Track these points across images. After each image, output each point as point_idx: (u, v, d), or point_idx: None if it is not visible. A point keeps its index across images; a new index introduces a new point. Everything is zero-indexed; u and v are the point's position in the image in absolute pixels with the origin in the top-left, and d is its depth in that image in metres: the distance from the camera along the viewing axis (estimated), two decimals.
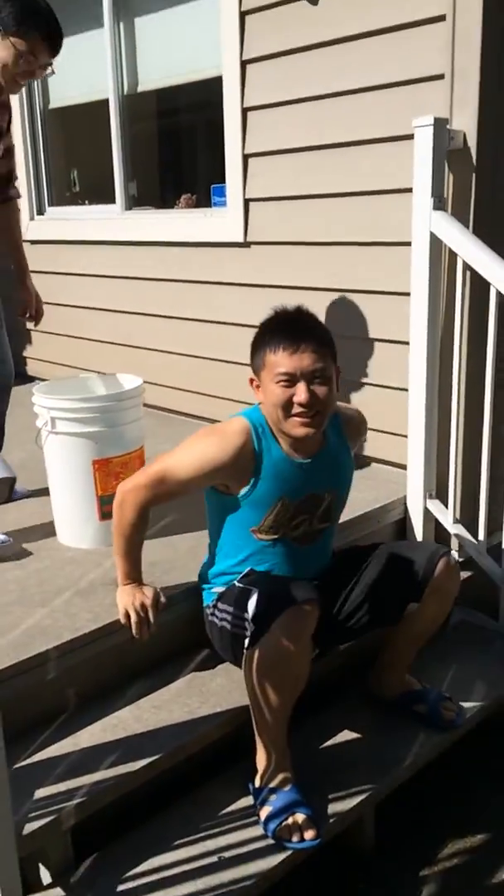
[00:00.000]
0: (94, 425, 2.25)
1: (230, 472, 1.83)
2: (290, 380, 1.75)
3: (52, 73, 2.40)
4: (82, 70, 3.78)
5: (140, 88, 3.60)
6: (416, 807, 2.04)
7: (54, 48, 2.32)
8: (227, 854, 1.66)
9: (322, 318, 1.86)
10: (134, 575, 1.93)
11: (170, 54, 3.43)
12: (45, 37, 2.26)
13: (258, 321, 1.87)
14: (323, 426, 1.84)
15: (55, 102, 4.02)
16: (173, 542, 2.35)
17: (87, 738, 1.77)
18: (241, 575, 1.88)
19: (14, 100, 4.03)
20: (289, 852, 1.66)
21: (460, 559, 2.60)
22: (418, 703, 2.07)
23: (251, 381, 1.87)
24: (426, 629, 2.03)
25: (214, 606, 1.93)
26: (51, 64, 2.36)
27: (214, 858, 1.64)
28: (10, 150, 2.54)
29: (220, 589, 1.92)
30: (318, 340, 1.79)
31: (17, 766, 1.67)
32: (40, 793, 1.61)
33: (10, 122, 2.50)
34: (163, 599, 1.92)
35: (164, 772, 1.75)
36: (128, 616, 1.87)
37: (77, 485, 2.31)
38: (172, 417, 3.63)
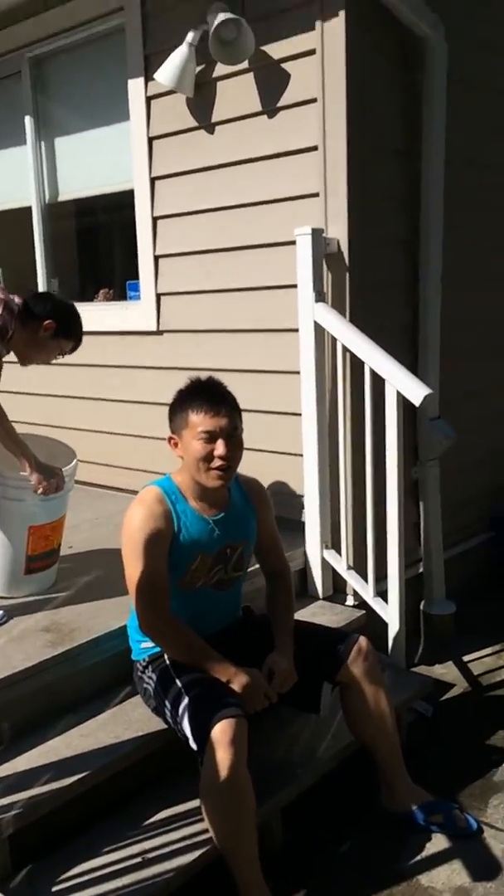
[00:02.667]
0: (36, 497, 2.49)
1: (167, 531, 2.10)
2: (211, 437, 2.08)
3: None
4: (7, 180, 4.19)
5: (60, 198, 4.02)
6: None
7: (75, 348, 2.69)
8: (149, 855, 1.89)
9: None
10: (225, 663, 2.02)
11: (87, 169, 3.87)
12: (76, 343, 2.66)
13: (170, 399, 2.21)
14: (231, 480, 2.18)
15: None
16: (99, 593, 2.61)
17: (24, 763, 1.99)
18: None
19: None
20: (207, 847, 1.90)
21: (355, 602, 2.96)
22: (435, 814, 2.21)
23: (170, 439, 2.18)
24: (382, 719, 2.19)
25: (144, 669, 2.17)
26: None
27: (139, 859, 1.88)
28: None
29: (150, 651, 2.15)
30: (232, 405, 2.15)
31: None
32: None
33: None
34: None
35: (94, 790, 1.98)
36: (249, 695, 1.98)
37: (12, 544, 2.55)
38: (91, 490, 3.88)
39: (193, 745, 1.92)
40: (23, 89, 3.95)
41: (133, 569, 2.06)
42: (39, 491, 2.45)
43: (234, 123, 3.12)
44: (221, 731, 1.84)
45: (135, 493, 3.05)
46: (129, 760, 2.06)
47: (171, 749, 2.10)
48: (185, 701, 1.97)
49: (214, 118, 3.18)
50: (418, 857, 2.12)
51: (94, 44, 3.68)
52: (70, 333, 2.61)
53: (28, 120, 3.96)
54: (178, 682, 2.02)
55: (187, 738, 1.94)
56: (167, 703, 2.03)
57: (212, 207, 3.25)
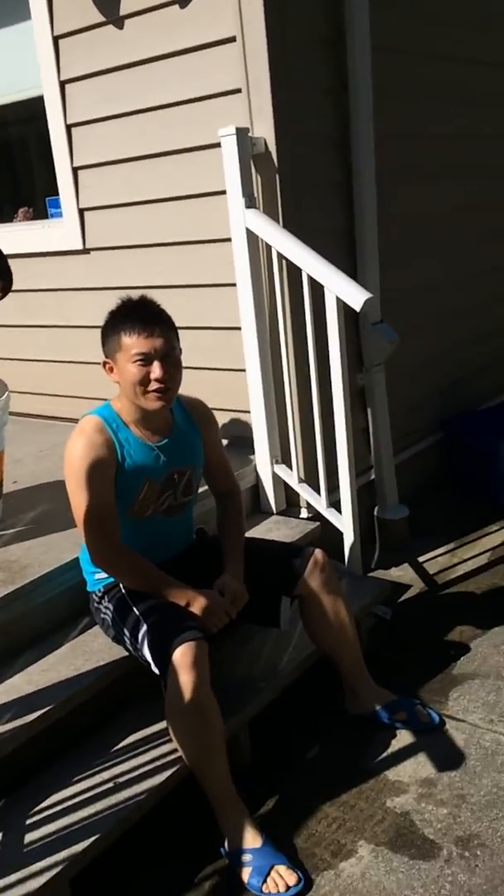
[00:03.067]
0: None
1: (111, 460, 2.03)
2: (146, 359, 1.98)
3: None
4: None
5: None
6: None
7: None
8: (121, 779, 1.90)
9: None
10: (182, 587, 2.00)
11: None
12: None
13: (101, 322, 2.10)
14: (172, 402, 2.10)
15: None
16: (48, 528, 2.55)
17: None
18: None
19: None
20: (176, 767, 1.92)
21: (309, 515, 2.96)
22: (398, 712, 2.25)
23: (104, 363, 2.08)
24: (342, 628, 2.21)
25: (100, 600, 2.13)
26: None
27: (110, 784, 1.89)
28: None
29: (105, 581, 2.11)
30: (167, 324, 2.05)
31: None
32: None
33: None
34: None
35: (59, 723, 1.97)
36: (210, 614, 1.97)
37: None
38: (32, 422, 3.79)
39: (156, 671, 1.91)
40: None
41: (79, 501, 2.00)
42: None
43: (144, 16, 2.88)
44: (182, 655, 1.83)
45: (77, 421, 2.95)
46: (91, 691, 2.05)
47: (134, 675, 2.09)
48: (144, 628, 1.95)
49: (122, 11, 2.93)
50: (384, 755, 2.18)
51: None
52: None
53: None
54: (136, 610, 2.00)
55: (149, 664, 1.93)
56: (126, 632, 2.01)
57: (128, 111, 3.04)
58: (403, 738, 2.23)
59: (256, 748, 2.22)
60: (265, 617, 2.21)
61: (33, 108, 3.43)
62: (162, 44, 2.86)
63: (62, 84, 3.19)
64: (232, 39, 2.68)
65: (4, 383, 2.67)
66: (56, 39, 3.14)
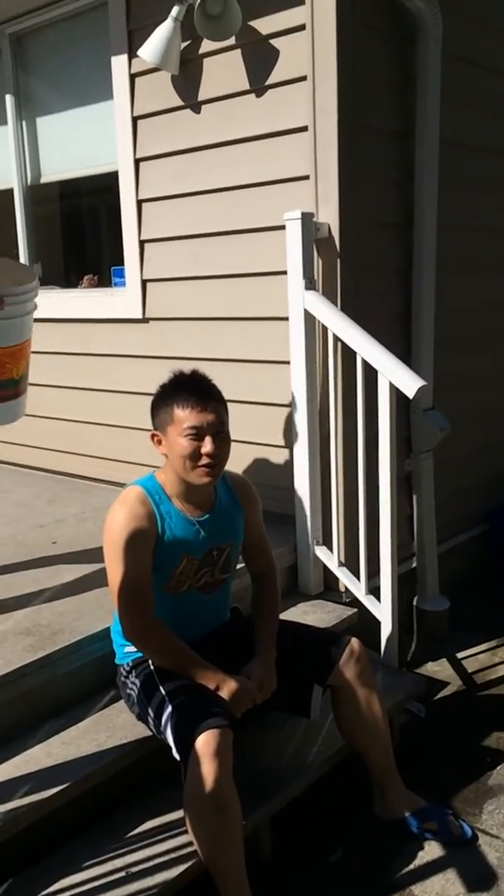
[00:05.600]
0: None
1: (151, 533, 2.01)
2: (198, 433, 1.98)
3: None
4: None
5: (43, 180, 3.89)
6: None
7: None
8: (133, 869, 1.82)
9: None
10: (213, 669, 1.96)
11: (70, 150, 3.75)
12: None
13: (155, 389, 2.11)
14: (219, 477, 2.09)
15: None
16: (83, 593, 2.52)
17: (1, 774, 1.91)
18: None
19: None
20: (192, 861, 1.83)
21: (346, 600, 2.88)
22: (428, 821, 2.14)
23: (153, 436, 2.08)
24: (374, 724, 2.12)
25: (127, 674, 2.09)
26: None
27: (122, 874, 1.80)
28: None
29: (133, 655, 2.06)
30: (219, 399, 2.05)
31: None
32: None
33: None
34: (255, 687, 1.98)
35: (76, 801, 1.91)
36: (239, 701, 1.92)
37: None
38: (78, 482, 3.82)
39: (177, 756, 1.85)
40: (3, 67, 3.81)
41: (115, 572, 1.97)
42: None
43: (221, 102, 3.00)
44: (205, 742, 1.76)
45: (122, 485, 2.94)
46: (111, 769, 1.98)
47: (156, 757, 2.02)
48: (169, 709, 1.89)
49: (201, 97, 3.05)
50: (411, 866, 2.05)
51: (76, 19, 3.54)
52: None
53: (9, 99, 3.82)
54: (162, 690, 1.95)
55: (171, 748, 1.87)
56: (150, 711, 1.96)
57: (198, 190, 3.13)
58: (432, 850, 2.10)
59: (276, 846, 2.11)
60: (295, 705, 2.14)
61: (106, 182, 3.57)
62: (236, 129, 2.96)
63: (137, 161, 3.31)
64: (304, 129, 2.76)
65: (34, 271, 2.56)
66: (135, 119, 3.28)
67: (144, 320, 3.45)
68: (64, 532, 3.12)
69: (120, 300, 3.53)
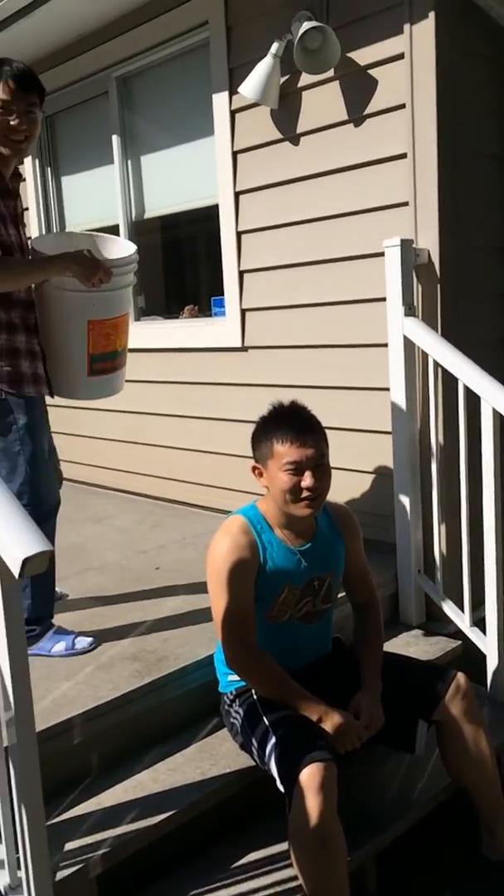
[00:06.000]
0: (97, 288, 2.29)
1: (253, 562, 2.04)
2: (297, 468, 1.99)
3: (41, 113, 2.30)
4: (96, 200, 4.23)
5: (147, 215, 4.03)
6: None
7: (26, 85, 2.20)
8: None
9: (313, 411, 2.13)
10: (315, 701, 1.94)
11: (172, 185, 3.87)
12: (9, 79, 2.18)
13: (256, 416, 2.14)
14: (320, 509, 2.09)
15: (71, 227, 4.46)
16: (185, 620, 2.57)
17: (110, 799, 1.96)
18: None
19: (34, 220, 4.45)
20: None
21: (450, 631, 2.82)
22: None
23: (254, 469, 2.11)
24: (482, 761, 2.07)
25: (231, 703, 2.11)
26: (36, 105, 2.25)
27: None
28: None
29: (237, 684, 2.08)
30: (319, 432, 2.06)
31: (48, 823, 1.85)
32: (70, 846, 1.80)
33: (22, 214, 2.43)
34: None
35: (180, 829, 1.93)
36: (342, 735, 1.91)
37: (72, 340, 2.40)
38: (179, 508, 3.89)
39: (281, 787, 1.85)
40: (110, 109, 3.98)
41: (218, 602, 2.00)
42: (88, 284, 2.26)
43: (320, 133, 3.04)
44: (310, 776, 1.76)
45: (222, 511, 2.98)
46: (216, 798, 2.00)
47: (260, 787, 2.03)
48: (273, 740, 1.89)
49: (299, 129, 3.10)
50: None
51: (178, 60, 3.67)
52: None
53: (115, 139, 3.99)
54: (266, 720, 1.95)
55: (275, 780, 1.87)
56: (254, 741, 1.96)
57: (297, 220, 3.17)
58: None
59: (382, 883, 2.07)
60: (400, 740, 2.10)
61: (206, 214, 3.67)
62: (334, 159, 2.99)
63: (237, 194, 3.38)
64: (402, 156, 2.76)
65: (132, 245, 2.63)
66: (235, 154, 3.36)
67: (244, 349, 3.50)
68: (166, 558, 3.19)
69: (220, 329, 3.60)
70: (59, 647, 2.39)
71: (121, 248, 2.58)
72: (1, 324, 2.26)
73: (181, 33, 3.52)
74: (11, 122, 2.21)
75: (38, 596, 2.41)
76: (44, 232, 4.49)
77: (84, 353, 2.41)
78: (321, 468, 2.02)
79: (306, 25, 2.80)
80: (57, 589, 2.64)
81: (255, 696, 2.03)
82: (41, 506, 2.34)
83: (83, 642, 2.41)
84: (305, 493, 1.99)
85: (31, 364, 2.32)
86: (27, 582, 2.35)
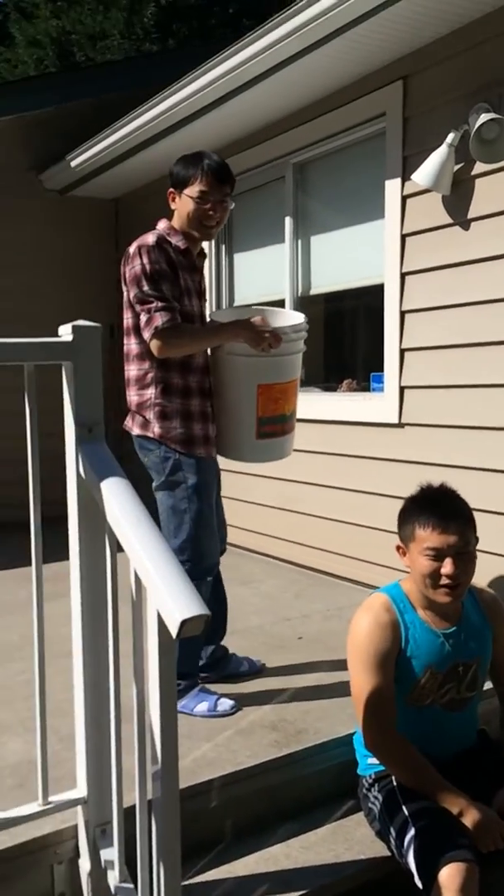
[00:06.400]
0: (267, 353, 2.39)
1: (395, 642, 2.02)
2: (438, 555, 1.97)
3: (233, 204, 2.48)
4: (265, 275, 4.45)
5: (313, 292, 4.19)
6: None
7: (220, 178, 2.41)
8: None
9: (465, 493, 2.11)
10: (456, 793, 1.88)
11: (339, 264, 4.01)
12: (208, 173, 2.38)
13: (408, 493, 2.13)
14: (463, 596, 2.05)
15: (240, 300, 4.70)
16: (327, 693, 2.56)
17: (242, 868, 1.96)
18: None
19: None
20: None
21: None
22: None
23: (398, 548, 2.10)
24: None
25: (369, 787, 2.07)
26: (228, 195, 2.45)
27: None
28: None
29: (376, 767, 2.04)
30: (464, 519, 2.02)
31: (181, 884, 1.89)
32: None
33: (204, 290, 2.62)
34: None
35: None
36: (483, 834, 1.82)
37: (242, 404, 2.49)
38: (323, 578, 3.90)
39: (418, 883, 1.78)
40: (286, 192, 4.20)
41: (359, 681, 1.99)
42: (258, 349, 2.37)
43: (492, 219, 3.07)
44: (450, 876, 1.69)
45: (367, 585, 2.96)
46: (349, 884, 1.95)
47: (396, 878, 1.96)
48: (412, 832, 1.84)
49: (471, 214, 3.15)
50: None
51: (354, 148, 3.84)
52: (187, 170, 2.40)
53: (288, 220, 4.20)
54: (405, 810, 1.90)
55: (412, 873, 1.81)
56: (392, 831, 1.91)
57: (463, 302, 3.19)
58: None
59: None
60: None
61: (368, 292, 3.76)
62: None
63: (403, 275, 3.46)
64: None
65: (302, 314, 2.71)
66: (404, 237, 3.45)
67: (400, 425, 3.52)
68: (309, 628, 3.20)
69: (377, 404, 3.64)
70: (202, 707, 2.44)
71: (291, 318, 2.70)
72: (177, 388, 2.42)
73: (359, 123, 3.69)
74: (208, 212, 2.43)
75: (184, 651, 2.48)
76: (214, 304, 4.75)
77: (253, 417, 2.51)
78: (464, 556, 1.98)
79: (484, 117, 2.87)
80: (256, 659, 2.75)
81: (394, 783, 1.99)
82: (201, 564, 2.45)
83: (225, 705, 2.46)
84: (445, 581, 1.96)
85: (202, 426, 2.46)
86: None
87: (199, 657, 2.59)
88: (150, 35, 12.01)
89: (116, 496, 1.66)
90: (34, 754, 1.78)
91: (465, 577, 1.99)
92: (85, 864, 1.81)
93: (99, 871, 1.80)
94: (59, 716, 2.10)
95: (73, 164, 5.16)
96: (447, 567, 1.96)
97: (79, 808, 1.80)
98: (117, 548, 1.66)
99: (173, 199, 2.46)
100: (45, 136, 5.54)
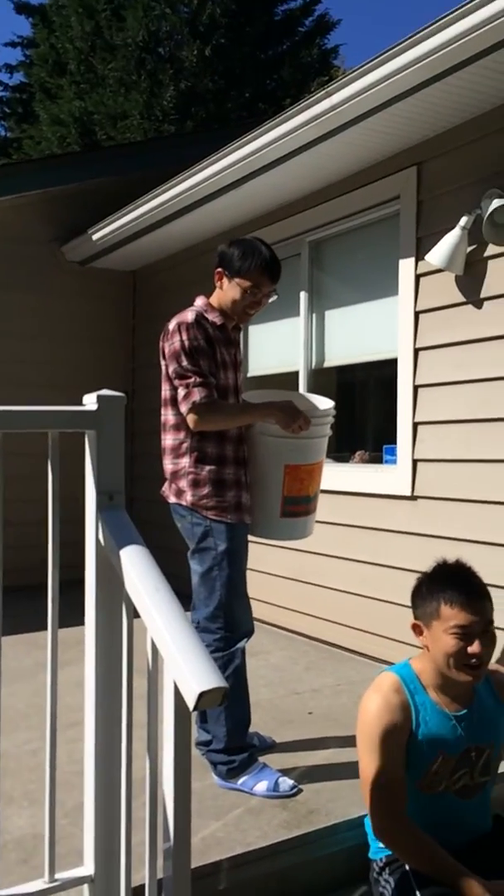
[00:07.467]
0: (296, 435, 2.46)
1: (405, 725, 1.97)
2: (466, 634, 1.93)
3: (276, 296, 2.59)
4: (280, 348, 4.53)
5: (326, 364, 4.26)
6: None
7: (273, 277, 2.53)
8: None
9: (477, 568, 2.09)
10: (470, 876, 1.83)
11: (353, 339, 4.09)
12: (264, 270, 2.49)
13: (420, 566, 2.13)
14: (483, 676, 2.02)
15: (253, 371, 4.78)
16: (338, 773, 2.50)
17: None
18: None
19: None
20: None
21: None
22: None
23: (414, 626, 2.06)
24: None
25: (381, 871, 2.00)
26: (274, 290, 2.56)
27: None
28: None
29: (387, 850, 1.98)
30: (488, 598, 2.00)
31: None
32: None
33: (240, 361, 2.69)
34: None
35: None
36: None
37: (269, 483, 2.54)
38: (334, 651, 3.85)
39: None
40: (301, 268, 4.32)
41: (367, 764, 1.94)
42: (289, 431, 2.43)
43: (503, 299, 3.14)
44: None
45: (377, 659, 2.89)
46: None
47: None
48: None
49: (483, 294, 3.23)
50: None
51: (368, 227, 3.96)
52: (244, 260, 2.48)
53: (303, 295, 4.30)
54: (419, 895, 1.83)
55: None
56: None
57: (475, 378, 3.24)
58: None
59: None
60: None
61: (381, 365, 3.82)
62: None
63: (416, 350, 3.53)
64: None
65: (330, 400, 2.75)
66: (417, 314, 3.53)
67: (413, 498, 3.53)
68: (320, 702, 3.14)
69: (390, 477, 3.66)
70: (261, 786, 2.38)
71: (320, 402, 2.78)
72: (211, 457, 2.47)
73: (373, 206, 3.82)
74: (255, 304, 2.54)
75: (234, 725, 2.44)
76: None
77: (279, 495, 2.56)
78: (488, 634, 1.96)
79: (497, 203, 2.97)
80: (266, 735, 2.71)
81: (407, 868, 1.92)
82: (235, 631, 2.45)
83: (286, 784, 2.39)
84: (472, 661, 1.93)
85: (236, 493, 2.49)
86: (221, 710, 2.41)
87: (247, 730, 2.53)
88: (168, 116, 12.52)
89: (135, 564, 1.67)
90: (39, 828, 1.75)
91: (487, 656, 1.96)
92: None
93: None
94: (65, 789, 2.06)
95: (94, 237, 5.33)
96: (475, 647, 1.92)
97: (85, 887, 1.75)
98: (134, 615, 1.66)
99: (220, 279, 2.55)
100: (67, 211, 5.75)
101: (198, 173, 4.20)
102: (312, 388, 4.30)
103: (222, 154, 3.97)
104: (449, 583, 2.00)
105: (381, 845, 2.01)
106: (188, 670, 1.48)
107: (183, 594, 2.47)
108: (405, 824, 1.90)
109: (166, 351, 2.48)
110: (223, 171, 4.00)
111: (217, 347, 2.48)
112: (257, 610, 4.39)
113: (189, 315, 2.47)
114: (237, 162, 3.89)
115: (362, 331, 4.01)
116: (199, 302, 2.58)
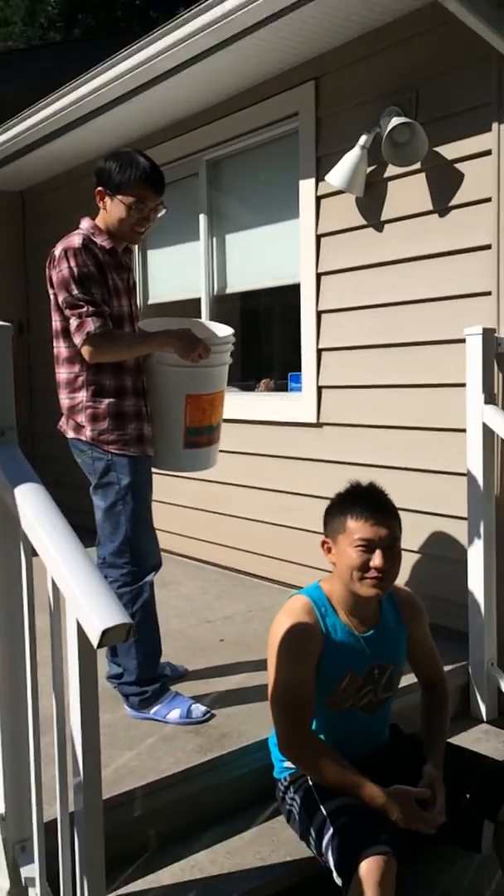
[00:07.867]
0: (195, 364, 2.39)
1: (316, 645, 2.01)
2: (368, 546, 1.98)
3: (164, 210, 2.49)
4: (180, 274, 4.40)
5: (228, 291, 4.17)
6: None
7: (157, 188, 2.40)
8: None
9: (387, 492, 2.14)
10: (376, 788, 1.88)
11: (255, 264, 4.00)
12: (146, 181, 2.36)
13: (327, 493, 2.15)
14: (387, 591, 2.07)
15: (154, 299, 4.64)
16: (250, 696, 2.54)
17: (168, 877, 1.93)
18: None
19: None
20: None
21: None
22: None
23: (323, 543, 2.09)
24: None
25: (286, 789, 2.06)
26: (160, 204, 2.45)
27: None
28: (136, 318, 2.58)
29: (292, 769, 2.04)
30: (394, 515, 2.04)
31: None
32: None
33: (134, 286, 2.60)
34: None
35: None
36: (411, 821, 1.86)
37: (170, 414, 2.49)
38: (244, 579, 3.89)
39: (337, 880, 1.78)
40: (199, 189, 4.17)
41: (276, 682, 1.97)
42: (188, 360, 2.37)
43: (404, 222, 3.12)
44: (368, 870, 1.69)
45: (288, 585, 2.93)
46: (275, 887, 1.94)
47: (320, 881, 1.96)
48: (331, 831, 1.84)
49: (384, 217, 3.19)
50: None
51: (267, 146, 3.84)
52: (122, 174, 2.34)
53: (202, 218, 4.17)
54: (323, 809, 1.90)
55: (331, 871, 1.81)
56: (312, 831, 1.91)
57: (378, 303, 3.24)
58: None
59: None
60: (465, 839, 2.01)
61: (285, 292, 3.77)
62: (417, 247, 3.06)
63: (318, 275, 3.48)
64: (487, 247, 2.81)
65: (230, 328, 2.71)
66: (319, 237, 3.47)
67: (318, 425, 3.54)
68: (231, 629, 3.18)
69: (295, 404, 3.66)
70: (174, 714, 2.39)
71: (218, 330, 2.71)
72: (109, 389, 2.37)
73: (271, 122, 3.69)
74: (142, 220, 2.41)
75: (143, 657, 2.42)
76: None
77: (181, 426, 2.51)
78: (392, 551, 2.01)
79: (395, 121, 2.91)
80: (178, 665, 2.71)
81: (310, 783, 1.99)
82: (143, 565, 2.41)
83: (198, 710, 2.40)
84: (373, 573, 1.98)
85: (137, 425, 2.42)
86: (131, 644, 2.38)
87: (158, 660, 2.51)
88: (54, 24, 11.77)
89: (30, 502, 1.60)
90: None
91: (391, 572, 2.01)
92: (3, 884, 1.74)
93: (19, 890, 1.74)
94: None
95: None
96: (377, 559, 1.97)
97: None
98: (33, 554, 1.61)
99: (101, 198, 2.40)
100: None
101: (84, 84, 3.93)
102: (215, 316, 4.21)
103: (110, 63, 3.72)
104: (358, 500, 2.05)
105: (286, 765, 2.07)
106: (90, 608, 1.44)
107: (90, 529, 2.44)
108: (312, 739, 1.96)
109: (54, 279, 2.35)
110: (112, 81, 3.76)
111: (108, 273, 2.36)
112: (167, 541, 4.39)
113: (76, 239, 2.33)
114: (127, 72, 3.66)
115: (264, 255, 3.93)
116: (85, 224, 2.44)
